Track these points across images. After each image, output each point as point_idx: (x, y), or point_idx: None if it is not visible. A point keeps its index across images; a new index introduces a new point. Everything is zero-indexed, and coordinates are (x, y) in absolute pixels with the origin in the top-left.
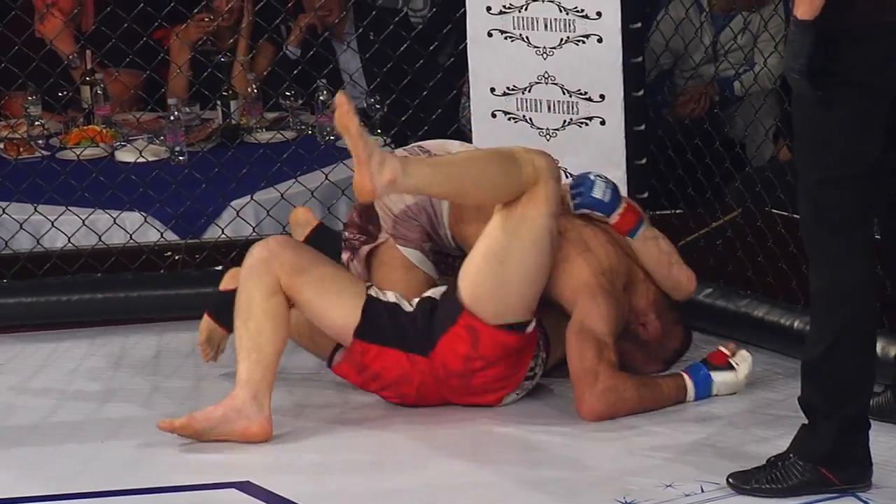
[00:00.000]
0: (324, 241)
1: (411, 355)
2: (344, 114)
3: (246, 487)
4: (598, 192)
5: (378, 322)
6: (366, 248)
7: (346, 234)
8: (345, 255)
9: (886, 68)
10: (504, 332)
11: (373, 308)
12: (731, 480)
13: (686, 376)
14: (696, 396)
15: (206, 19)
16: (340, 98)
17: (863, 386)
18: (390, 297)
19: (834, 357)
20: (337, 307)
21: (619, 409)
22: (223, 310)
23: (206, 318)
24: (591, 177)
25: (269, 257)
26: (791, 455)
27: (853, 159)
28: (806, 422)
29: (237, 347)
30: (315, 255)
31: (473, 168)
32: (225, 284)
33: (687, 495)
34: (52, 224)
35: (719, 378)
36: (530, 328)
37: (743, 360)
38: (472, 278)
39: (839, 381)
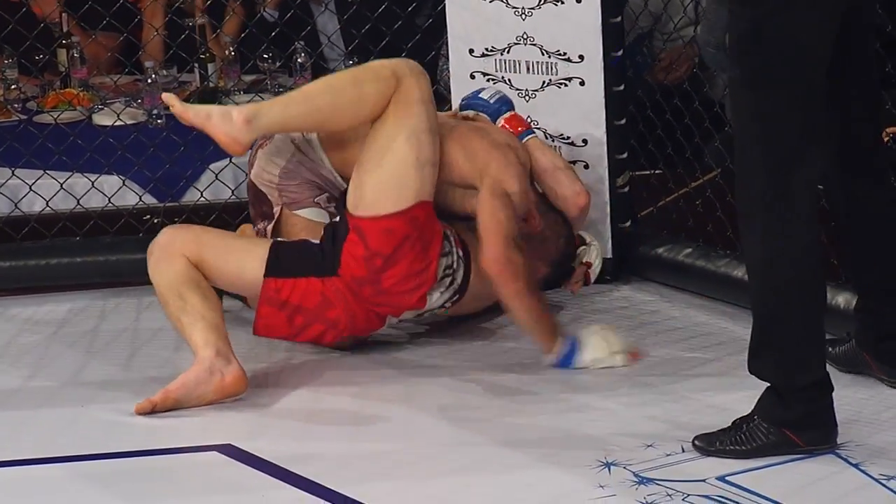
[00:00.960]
0: None
1: (324, 278)
2: (168, 99)
3: (227, 450)
4: (485, 95)
5: (287, 258)
6: (268, 227)
7: (256, 228)
8: None
9: None
10: (384, 219)
11: (279, 248)
12: (696, 443)
13: (562, 340)
14: (561, 357)
15: None
16: (167, 98)
17: (811, 357)
18: (298, 238)
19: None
20: (246, 261)
21: (511, 281)
22: None
23: None
24: (485, 85)
25: (169, 241)
26: (755, 417)
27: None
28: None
29: (181, 328)
30: (213, 229)
31: (328, 90)
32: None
33: (668, 455)
34: (30, 188)
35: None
36: (410, 206)
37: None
38: (354, 185)
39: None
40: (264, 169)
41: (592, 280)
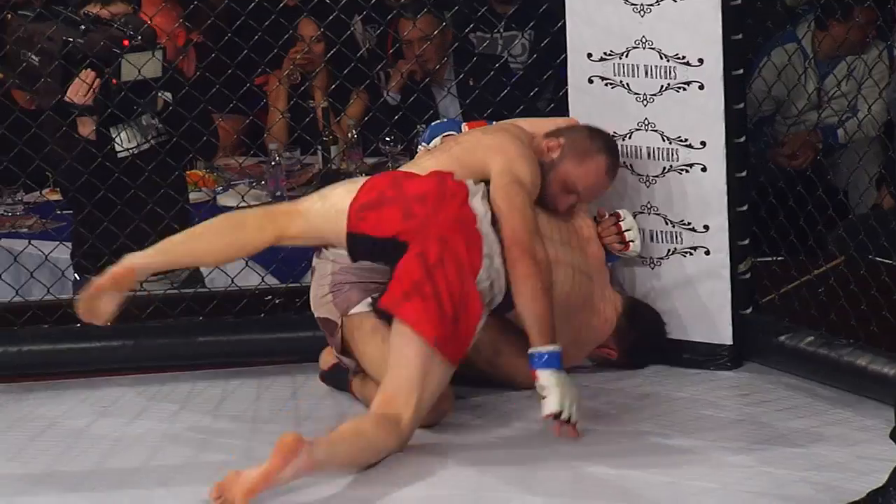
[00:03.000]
0: None
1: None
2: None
3: None
4: (435, 123)
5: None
6: (336, 340)
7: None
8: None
9: None
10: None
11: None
12: None
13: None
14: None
15: (298, 51)
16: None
17: None
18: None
19: None
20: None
21: (530, 267)
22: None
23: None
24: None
25: None
26: (891, 489)
27: None
28: None
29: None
30: None
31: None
32: (324, 363)
33: None
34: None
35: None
36: None
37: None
38: None
39: None
40: (317, 294)
41: (630, 242)
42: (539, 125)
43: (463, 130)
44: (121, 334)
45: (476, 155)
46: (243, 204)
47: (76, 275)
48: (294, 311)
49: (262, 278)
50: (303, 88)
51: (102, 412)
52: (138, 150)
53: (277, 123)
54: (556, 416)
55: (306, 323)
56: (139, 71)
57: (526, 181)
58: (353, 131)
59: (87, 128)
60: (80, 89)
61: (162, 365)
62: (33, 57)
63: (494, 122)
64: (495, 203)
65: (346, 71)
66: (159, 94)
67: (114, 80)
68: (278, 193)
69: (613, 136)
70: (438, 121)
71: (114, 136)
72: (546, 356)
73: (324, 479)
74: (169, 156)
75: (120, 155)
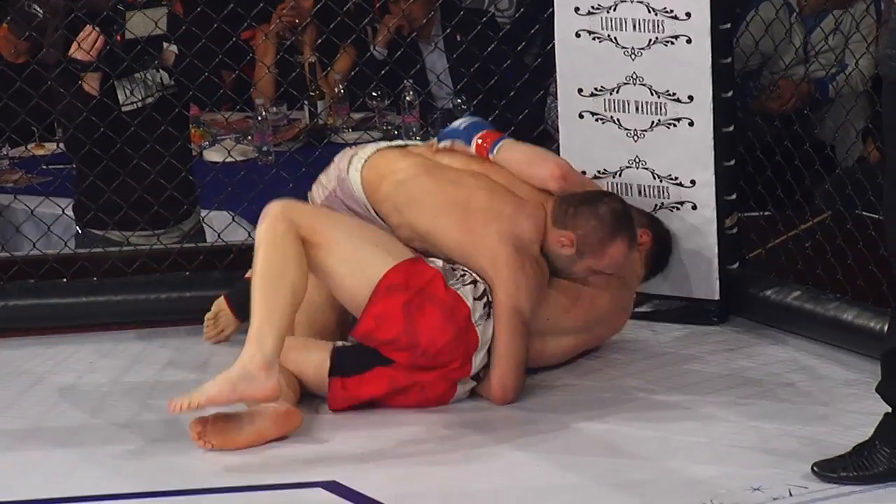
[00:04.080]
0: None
1: (388, 365)
2: (177, 406)
3: (332, 487)
4: (457, 124)
5: (350, 356)
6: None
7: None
8: None
9: None
10: (374, 293)
11: (339, 350)
12: (815, 469)
13: None
14: None
15: (287, 10)
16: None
17: None
18: None
19: None
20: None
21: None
22: (239, 297)
23: (221, 298)
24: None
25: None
26: (877, 442)
27: None
28: (889, 410)
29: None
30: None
31: (272, 283)
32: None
33: (775, 499)
34: (141, 222)
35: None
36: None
37: None
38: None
39: None
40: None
41: None
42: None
43: (473, 145)
44: (107, 289)
45: (480, 237)
46: (229, 159)
47: (78, 228)
48: None
49: (249, 234)
50: (289, 43)
51: (90, 368)
52: (143, 104)
53: (264, 78)
54: None
55: None
56: (156, 24)
57: (525, 310)
58: (340, 86)
59: (92, 83)
60: (84, 45)
61: (149, 319)
62: (37, 8)
63: (504, 140)
64: (497, 336)
65: (332, 25)
66: (167, 48)
67: (118, 37)
68: (264, 148)
69: (601, 89)
70: (451, 126)
71: (118, 91)
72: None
73: (314, 439)
74: (171, 111)
75: (125, 109)
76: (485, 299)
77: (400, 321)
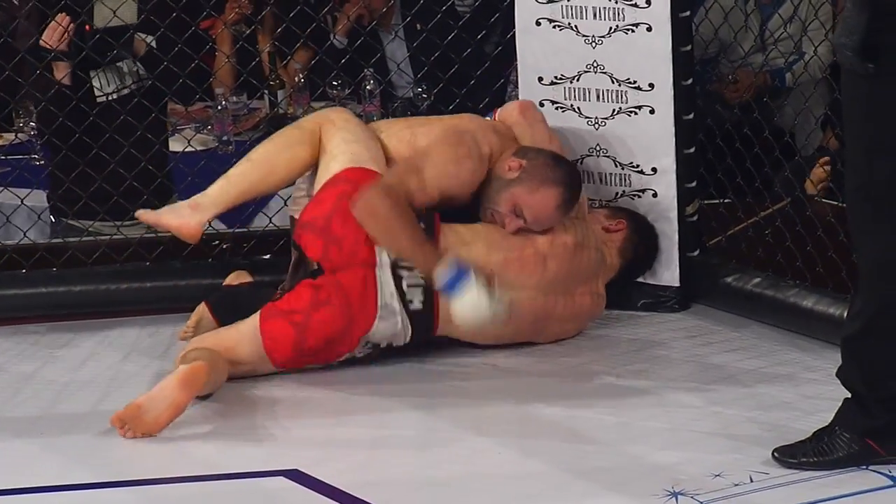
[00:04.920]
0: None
1: (312, 280)
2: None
3: (294, 475)
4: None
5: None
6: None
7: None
8: None
9: None
10: (316, 195)
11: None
12: (776, 455)
13: (448, 263)
14: (444, 280)
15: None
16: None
17: None
18: None
19: (872, 334)
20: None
21: (372, 222)
22: (222, 304)
23: (202, 305)
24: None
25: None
26: (836, 428)
27: None
28: (849, 395)
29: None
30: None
31: (262, 155)
32: (229, 281)
33: (736, 485)
34: (102, 212)
35: (470, 293)
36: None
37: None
38: None
39: (876, 358)
40: (294, 197)
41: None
42: (532, 134)
43: (494, 117)
44: (67, 280)
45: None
46: (190, 148)
47: (52, 217)
48: (242, 256)
49: (209, 223)
50: (248, 32)
51: (50, 357)
52: (117, 95)
53: (223, 67)
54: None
55: (254, 268)
56: (114, 13)
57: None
58: (300, 75)
59: (62, 72)
60: (54, 33)
61: (110, 310)
62: None
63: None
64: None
65: (291, 14)
66: (141, 38)
67: (87, 26)
68: (224, 138)
69: (561, 78)
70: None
71: (92, 80)
72: (445, 283)
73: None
74: (148, 100)
75: (98, 99)
76: None
77: (329, 206)
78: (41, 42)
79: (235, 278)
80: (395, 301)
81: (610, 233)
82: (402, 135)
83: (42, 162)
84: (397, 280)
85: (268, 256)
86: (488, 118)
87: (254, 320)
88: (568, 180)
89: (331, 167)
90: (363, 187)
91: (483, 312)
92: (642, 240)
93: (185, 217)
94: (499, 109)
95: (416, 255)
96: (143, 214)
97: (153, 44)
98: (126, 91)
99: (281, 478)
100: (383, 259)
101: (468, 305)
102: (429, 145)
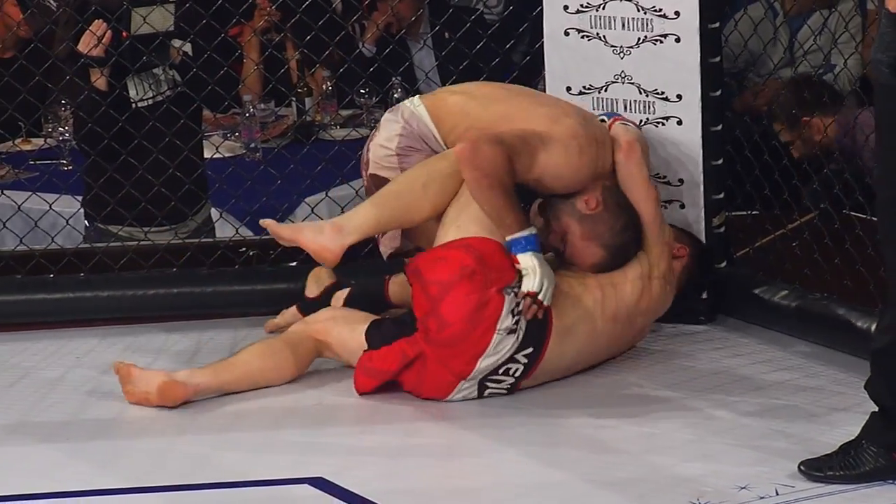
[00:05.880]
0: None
1: (408, 338)
2: (267, 226)
3: (319, 483)
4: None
5: (385, 329)
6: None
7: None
8: None
9: None
10: (437, 250)
11: (377, 322)
12: (802, 468)
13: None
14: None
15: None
16: (262, 221)
17: None
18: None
19: None
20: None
21: (474, 168)
22: (312, 310)
23: (294, 310)
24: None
25: (310, 319)
26: (863, 441)
27: None
28: (876, 409)
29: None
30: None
31: (409, 188)
32: (310, 292)
33: (762, 497)
34: (130, 218)
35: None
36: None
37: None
38: None
39: None
40: (381, 148)
41: (544, 304)
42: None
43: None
44: (94, 285)
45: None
46: (217, 155)
47: (86, 222)
48: (268, 263)
49: (237, 230)
50: (277, 40)
51: (76, 363)
52: (153, 102)
53: (251, 75)
54: (535, 295)
55: (280, 275)
56: (144, 20)
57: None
58: (328, 83)
59: (98, 78)
60: (91, 41)
61: (136, 316)
62: (51, 1)
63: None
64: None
65: (320, 23)
66: (177, 46)
67: (124, 33)
68: (252, 145)
69: (589, 88)
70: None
71: (128, 87)
72: (523, 241)
73: (300, 423)
74: (184, 107)
75: (134, 105)
76: (517, 318)
77: (447, 273)
78: (77, 49)
79: (314, 287)
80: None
81: (677, 259)
82: (532, 109)
83: (70, 167)
84: (481, 391)
85: (294, 264)
86: (604, 120)
87: (357, 351)
88: (619, 251)
89: (464, 224)
90: (485, 264)
91: (550, 274)
92: (697, 270)
93: (328, 240)
94: (616, 124)
95: (502, 214)
96: (275, 226)
97: (189, 51)
98: (160, 98)
99: (306, 485)
100: (476, 371)
101: (540, 260)
102: (556, 136)
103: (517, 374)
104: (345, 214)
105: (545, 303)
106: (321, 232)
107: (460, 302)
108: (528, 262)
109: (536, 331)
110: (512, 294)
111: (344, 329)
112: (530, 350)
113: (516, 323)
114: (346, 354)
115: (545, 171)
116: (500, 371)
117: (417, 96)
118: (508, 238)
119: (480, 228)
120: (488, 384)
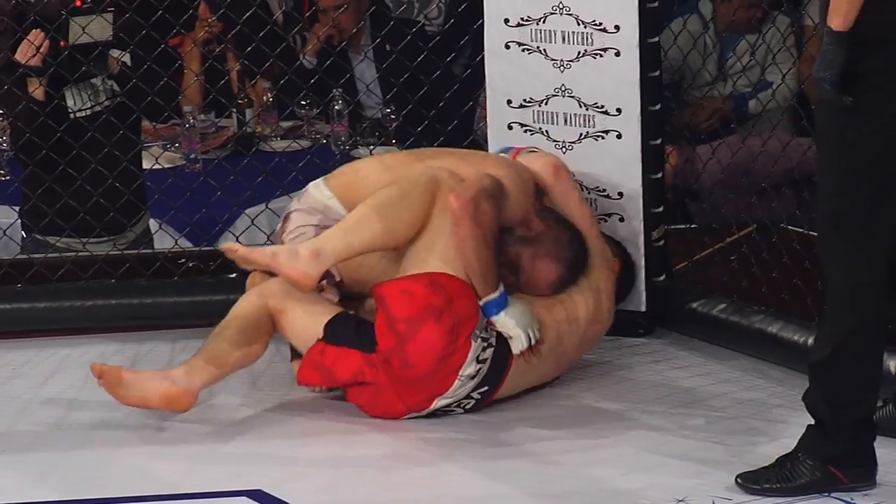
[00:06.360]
0: None
1: (366, 354)
2: (234, 253)
3: (257, 495)
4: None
5: (343, 328)
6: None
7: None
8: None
9: None
10: (401, 281)
11: (341, 318)
12: (739, 480)
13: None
14: (488, 304)
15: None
16: (227, 247)
17: (864, 393)
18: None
19: (839, 360)
20: (311, 323)
21: (470, 223)
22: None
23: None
24: None
25: (265, 286)
26: (800, 454)
27: (873, 166)
28: (812, 422)
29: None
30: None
31: (383, 213)
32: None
33: None
34: (68, 229)
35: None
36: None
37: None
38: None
39: (841, 384)
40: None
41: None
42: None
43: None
44: (32, 296)
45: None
46: (157, 166)
47: (23, 233)
48: (208, 275)
49: (176, 241)
50: (218, 51)
51: (13, 374)
52: (91, 112)
53: (192, 85)
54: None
55: (220, 286)
56: (84, 30)
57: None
58: (269, 94)
59: (36, 88)
60: (28, 50)
61: (74, 327)
62: None
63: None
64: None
65: (261, 34)
66: (116, 56)
67: (62, 43)
68: (192, 156)
69: (530, 101)
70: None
71: (66, 97)
72: (494, 303)
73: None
74: (123, 118)
75: (71, 115)
76: (482, 367)
77: (415, 311)
78: (14, 58)
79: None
80: None
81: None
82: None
83: (8, 178)
84: (430, 414)
85: (234, 275)
86: (504, 155)
87: (313, 337)
88: (573, 263)
89: (429, 260)
90: (453, 307)
91: (528, 318)
92: (628, 273)
93: (305, 267)
94: (522, 152)
95: (487, 272)
96: (245, 252)
97: (128, 61)
98: (99, 108)
99: (244, 498)
100: (431, 408)
101: (517, 312)
102: (502, 177)
103: (468, 407)
104: (319, 237)
105: (534, 341)
106: (297, 257)
107: (428, 346)
108: (503, 323)
109: (494, 374)
110: (479, 340)
111: (303, 315)
112: (485, 388)
113: (478, 370)
114: (297, 340)
115: (506, 214)
116: (453, 405)
117: (322, 182)
118: (484, 300)
119: (444, 264)
120: (438, 412)
